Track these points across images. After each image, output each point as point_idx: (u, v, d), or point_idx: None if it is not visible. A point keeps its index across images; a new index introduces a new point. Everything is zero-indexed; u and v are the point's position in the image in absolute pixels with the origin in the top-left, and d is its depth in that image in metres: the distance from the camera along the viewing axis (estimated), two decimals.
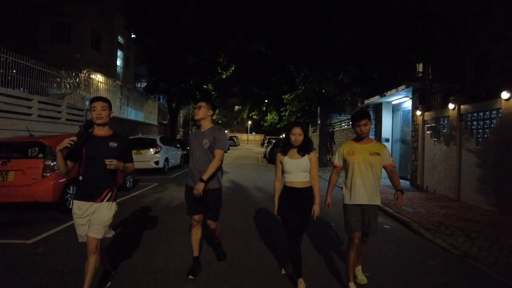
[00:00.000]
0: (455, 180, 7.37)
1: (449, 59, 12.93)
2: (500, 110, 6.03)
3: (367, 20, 11.48)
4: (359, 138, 3.01)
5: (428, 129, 8.72)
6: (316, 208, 2.94)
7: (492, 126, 6.34)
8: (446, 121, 7.94)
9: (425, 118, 8.90)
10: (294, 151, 3.00)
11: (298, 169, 2.95)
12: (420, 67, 14.80)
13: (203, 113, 3.25)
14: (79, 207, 2.57)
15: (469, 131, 7.03)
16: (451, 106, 7.48)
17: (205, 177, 3.06)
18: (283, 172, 3.07)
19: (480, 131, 6.72)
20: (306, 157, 2.97)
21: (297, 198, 2.96)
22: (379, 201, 3.01)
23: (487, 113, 6.49)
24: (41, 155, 5.31)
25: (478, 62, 11.88)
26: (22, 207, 5.70)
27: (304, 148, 2.98)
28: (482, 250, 4.24)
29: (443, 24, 12.49)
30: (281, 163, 3.05)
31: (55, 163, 5.10)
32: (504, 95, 5.79)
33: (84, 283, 2.55)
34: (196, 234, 3.29)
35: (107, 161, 2.47)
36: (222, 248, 3.72)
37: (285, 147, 3.06)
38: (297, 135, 2.94)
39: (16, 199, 5.09)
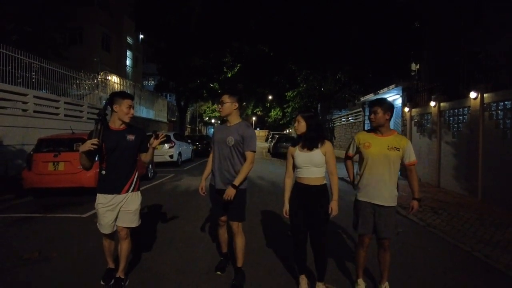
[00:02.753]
0: (436, 169, 8.39)
1: (440, 58, 13.77)
2: (470, 107, 7.03)
3: (362, 24, 12.44)
4: (374, 127, 2.66)
5: (415, 124, 9.73)
6: (333, 205, 2.60)
7: (464, 121, 7.34)
8: (429, 117, 8.93)
9: (412, 114, 9.90)
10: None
11: (310, 163, 2.60)
12: (414, 66, 15.70)
13: (228, 109, 2.83)
14: (105, 197, 2.65)
15: (447, 125, 8.02)
16: (432, 103, 8.48)
17: (236, 182, 2.76)
18: (294, 167, 2.73)
19: (455, 125, 7.71)
20: (319, 149, 2.61)
21: (306, 196, 2.63)
22: (395, 202, 2.60)
23: (461, 109, 7.48)
24: None
25: (469, 62, 12.66)
26: (71, 192, 6.77)
27: (310, 140, 2.61)
28: (443, 221, 5.29)
29: (435, 26, 13.32)
30: (292, 157, 2.71)
31: None
32: (472, 94, 6.78)
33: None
34: (224, 233, 3.13)
35: (160, 134, 2.71)
36: (243, 273, 2.96)
37: (296, 139, 2.78)
38: (297, 122, 2.67)
39: (66, 185, 6.28)
